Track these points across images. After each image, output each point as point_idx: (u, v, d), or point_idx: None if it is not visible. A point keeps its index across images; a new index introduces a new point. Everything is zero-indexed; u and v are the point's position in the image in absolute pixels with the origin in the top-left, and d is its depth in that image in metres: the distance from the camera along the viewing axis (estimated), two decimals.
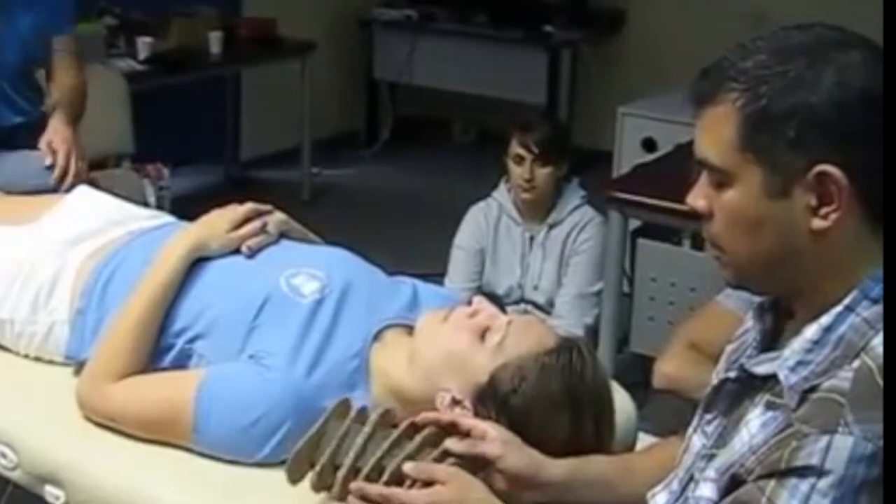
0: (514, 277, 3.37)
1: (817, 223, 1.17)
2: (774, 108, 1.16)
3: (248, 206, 1.94)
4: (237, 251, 1.90)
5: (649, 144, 4.52)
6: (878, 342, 1.15)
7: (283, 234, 1.96)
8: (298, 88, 5.24)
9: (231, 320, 1.79)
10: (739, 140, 1.18)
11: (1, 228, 2.11)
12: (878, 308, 1.16)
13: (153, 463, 1.70)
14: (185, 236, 1.89)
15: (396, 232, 4.73)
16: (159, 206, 3.66)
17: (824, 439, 1.11)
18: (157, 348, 1.81)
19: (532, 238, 3.37)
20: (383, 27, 5.84)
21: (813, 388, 1.17)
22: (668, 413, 2.19)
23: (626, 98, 4.93)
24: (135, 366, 1.78)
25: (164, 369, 1.80)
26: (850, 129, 1.15)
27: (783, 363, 1.20)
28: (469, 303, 1.76)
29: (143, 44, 4.52)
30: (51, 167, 2.80)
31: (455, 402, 1.66)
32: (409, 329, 1.79)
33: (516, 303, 3.36)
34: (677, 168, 3.70)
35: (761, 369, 1.24)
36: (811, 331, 1.19)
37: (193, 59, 4.78)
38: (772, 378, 1.22)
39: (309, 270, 1.85)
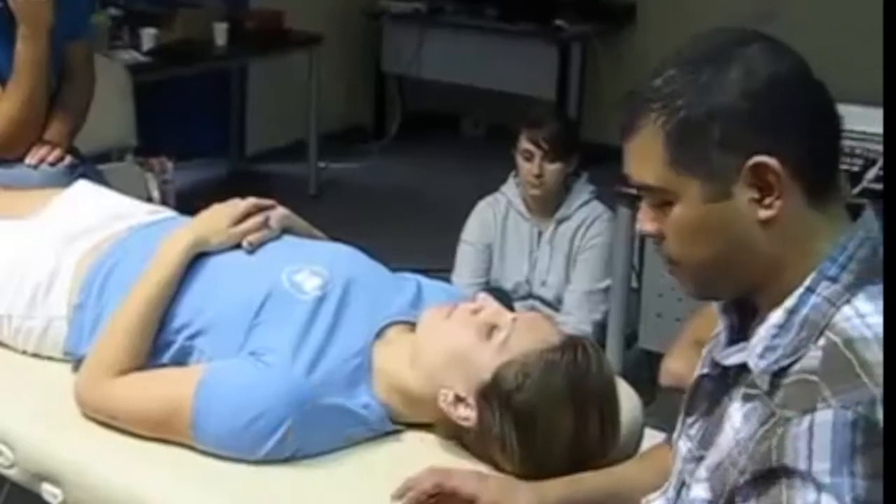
0: (521, 273, 3.36)
1: (763, 213, 1.19)
2: (693, 117, 1.19)
3: (250, 202, 1.93)
4: (238, 247, 1.88)
5: None
6: (839, 318, 1.17)
7: (285, 230, 1.95)
8: (305, 81, 5.22)
9: (232, 317, 1.78)
10: (669, 157, 1.20)
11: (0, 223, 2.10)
12: (837, 287, 1.19)
13: (152, 460, 1.69)
14: (185, 231, 1.88)
15: (404, 227, 4.71)
16: (163, 201, 3.64)
17: (806, 419, 1.12)
18: (157, 345, 1.79)
19: (540, 234, 3.35)
20: (392, 20, 5.82)
21: (784, 371, 1.19)
22: (675, 410, 2.19)
23: None
24: (134, 362, 1.77)
25: (164, 366, 1.79)
26: (768, 115, 1.18)
27: (752, 351, 1.22)
28: (473, 299, 1.74)
29: (148, 35, 4.50)
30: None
31: (458, 400, 1.66)
32: (413, 326, 1.78)
33: (524, 298, 3.35)
34: None
35: (732, 360, 1.26)
36: (776, 316, 1.21)
37: (198, 52, 4.76)
38: (744, 369, 1.24)
39: (311, 267, 1.83)
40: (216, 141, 5.47)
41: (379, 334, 1.77)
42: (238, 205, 1.91)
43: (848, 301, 1.17)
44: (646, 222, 1.26)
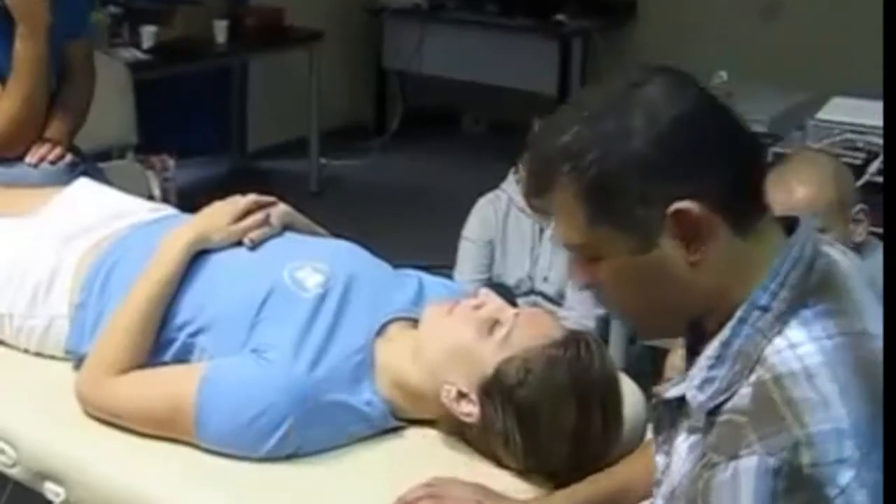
0: (523, 269, 3.35)
1: (692, 257, 1.17)
2: (604, 173, 1.16)
3: (251, 198, 1.92)
4: (239, 244, 1.87)
5: None
6: (770, 351, 1.16)
7: (286, 227, 1.94)
8: (306, 78, 5.21)
9: (234, 314, 1.77)
10: (588, 216, 1.19)
11: (0, 221, 2.10)
12: (769, 316, 1.17)
13: (154, 459, 1.69)
14: (185, 229, 1.88)
15: (405, 223, 4.70)
16: (164, 198, 3.64)
17: (731, 466, 1.12)
18: (159, 342, 1.79)
19: (542, 230, 3.34)
20: (392, 16, 5.80)
21: (718, 409, 1.18)
22: None
23: None
24: (136, 360, 1.76)
25: (166, 364, 1.79)
26: (678, 158, 1.15)
27: (690, 384, 1.21)
28: (475, 295, 1.74)
29: (148, 33, 4.49)
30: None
31: (461, 396, 1.66)
32: (415, 323, 1.78)
33: (526, 294, 3.35)
34: None
35: (671, 393, 1.26)
36: (711, 348, 1.20)
37: (199, 49, 4.75)
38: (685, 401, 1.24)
39: (313, 263, 1.83)
40: (217, 138, 5.47)
41: (381, 331, 1.77)
42: (239, 202, 1.91)
43: (780, 332, 1.16)
44: (579, 277, 1.25)
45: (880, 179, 2.73)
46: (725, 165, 1.17)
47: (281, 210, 1.94)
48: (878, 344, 1.16)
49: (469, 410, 1.65)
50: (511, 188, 3.39)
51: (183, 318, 1.79)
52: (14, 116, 2.60)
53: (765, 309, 1.17)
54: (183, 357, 1.79)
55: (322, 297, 1.77)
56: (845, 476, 1.09)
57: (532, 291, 3.36)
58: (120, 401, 1.73)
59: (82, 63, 2.80)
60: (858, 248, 2.23)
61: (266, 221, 1.90)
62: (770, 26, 5.24)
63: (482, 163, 4.47)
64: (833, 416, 1.11)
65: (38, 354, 1.94)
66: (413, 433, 1.75)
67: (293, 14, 5.17)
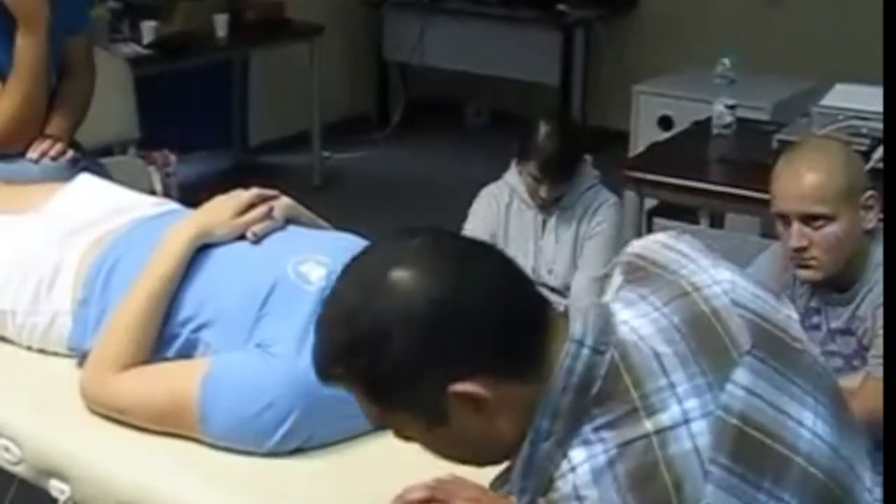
0: (527, 261, 3.33)
1: (483, 418, 1.20)
2: (376, 374, 1.19)
3: (253, 192, 1.91)
4: (242, 238, 1.86)
5: (666, 122, 4.48)
6: (557, 474, 1.19)
7: (289, 220, 1.93)
8: (307, 72, 5.20)
9: (237, 309, 1.77)
10: (377, 405, 1.23)
11: (1, 217, 2.09)
12: (551, 441, 1.20)
13: (159, 455, 1.69)
14: (188, 223, 1.87)
15: (409, 215, 4.69)
16: (166, 194, 3.62)
17: None
18: (163, 338, 1.78)
19: (544, 221, 3.33)
20: (393, 7, 5.80)
21: None
22: None
23: (640, 77, 4.89)
24: (139, 356, 1.76)
25: (169, 359, 1.78)
26: (444, 345, 1.17)
27: (515, 487, 1.25)
28: None
29: (148, 28, 4.49)
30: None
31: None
32: None
33: None
34: (693, 146, 3.69)
35: (501, 491, 1.30)
36: (519, 461, 1.23)
37: (199, 43, 4.74)
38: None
39: (316, 257, 1.82)
40: (218, 133, 5.46)
41: None
42: (241, 195, 1.90)
43: (564, 454, 1.19)
44: (401, 440, 1.29)
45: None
46: (495, 335, 1.19)
47: (284, 203, 1.93)
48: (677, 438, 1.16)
49: None
50: (513, 179, 3.37)
51: (186, 314, 1.78)
52: (14, 113, 2.60)
53: (547, 434, 1.20)
54: (187, 352, 1.78)
55: (326, 291, 1.76)
56: None
57: (536, 283, 3.34)
58: (124, 397, 1.73)
59: (82, 59, 2.79)
60: (870, 234, 2.22)
61: (269, 215, 1.89)
62: (773, 14, 5.23)
63: (485, 154, 4.46)
64: None
65: (40, 351, 1.94)
66: None
67: (293, 7, 5.17)
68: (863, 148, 2.97)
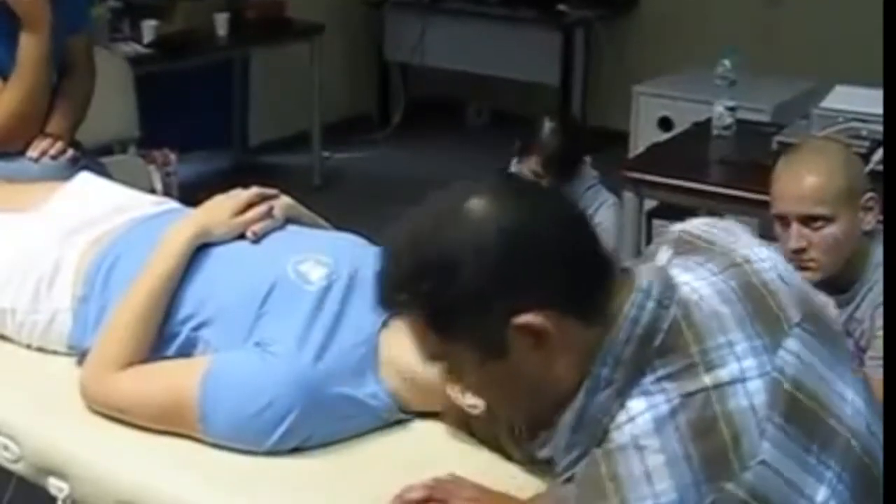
0: None
1: (543, 355, 1.22)
2: (440, 302, 1.20)
3: (253, 191, 1.92)
4: (242, 237, 1.86)
5: (666, 123, 4.48)
6: (613, 424, 1.20)
7: (289, 219, 1.93)
8: (308, 71, 5.20)
9: (237, 307, 1.77)
10: (437, 336, 1.24)
11: (1, 216, 2.09)
12: (611, 390, 1.21)
13: (159, 454, 1.69)
14: (187, 222, 1.87)
15: None
16: (166, 193, 3.62)
17: None
18: (162, 336, 1.79)
19: None
20: (394, 7, 5.79)
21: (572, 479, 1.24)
22: None
23: (640, 77, 4.89)
24: (139, 355, 1.76)
25: (169, 358, 1.78)
26: (511, 275, 1.19)
27: (557, 446, 1.26)
28: None
29: (148, 27, 4.49)
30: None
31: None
32: None
33: None
34: (693, 147, 3.69)
35: (542, 453, 1.30)
36: (569, 414, 1.24)
37: (199, 43, 4.74)
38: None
39: (316, 256, 1.82)
40: (219, 132, 5.45)
41: (385, 323, 1.76)
42: (241, 194, 1.90)
43: (622, 404, 1.20)
44: (451, 388, 1.31)
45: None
46: (564, 270, 1.21)
47: (284, 202, 1.93)
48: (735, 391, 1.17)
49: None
50: None
51: (186, 312, 1.79)
52: (15, 112, 2.60)
53: (607, 382, 1.21)
54: (186, 351, 1.78)
55: (326, 290, 1.76)
56: None
57: None
58: (123, 395, 1.73)
59: (83, 58, 2.80)
60: (869, 236, 2.23)
61: (269, 214, 1.89)
62: (773, 14, 5.22)
63: (485, 154, 4.45)
64: (655, 490, 1.14)
65: (40, 350, 1.94)
66: (418, 425, 1.75)
67: (294, 7, 5.17)
68: (862, 150, 2.97)
